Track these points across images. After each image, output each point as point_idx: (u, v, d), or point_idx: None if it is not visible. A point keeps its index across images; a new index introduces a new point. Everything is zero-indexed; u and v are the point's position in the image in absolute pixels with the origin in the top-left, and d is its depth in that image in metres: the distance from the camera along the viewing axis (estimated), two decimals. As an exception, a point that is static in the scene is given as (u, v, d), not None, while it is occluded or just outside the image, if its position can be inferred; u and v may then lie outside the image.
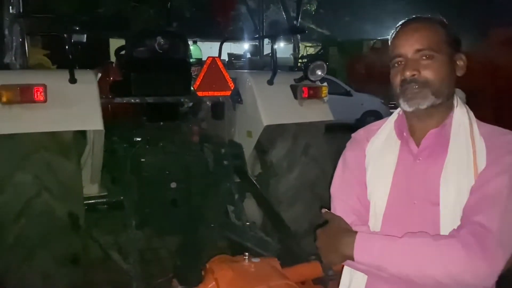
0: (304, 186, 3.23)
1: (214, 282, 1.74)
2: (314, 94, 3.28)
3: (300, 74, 3.34)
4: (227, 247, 3.15)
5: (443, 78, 1.22)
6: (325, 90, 3.34)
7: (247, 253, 1.89)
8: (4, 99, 2.41)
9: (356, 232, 1.21)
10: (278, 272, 1.82)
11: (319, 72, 3.24)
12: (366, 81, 12.46)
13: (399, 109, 1.35)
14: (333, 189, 1.39)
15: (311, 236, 3.01)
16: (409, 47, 1.23)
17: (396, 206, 1.25)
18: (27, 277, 2.46)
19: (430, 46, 1.21)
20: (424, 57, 1.22)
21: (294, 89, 3.28)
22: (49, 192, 2.51)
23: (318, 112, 3.32)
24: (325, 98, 3.33)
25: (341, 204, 1.35)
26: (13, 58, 2.90)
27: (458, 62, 1.27)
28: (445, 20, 1.29)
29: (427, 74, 1.21)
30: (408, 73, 1.21)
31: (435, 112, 1.25)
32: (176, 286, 2.02)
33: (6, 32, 2.86)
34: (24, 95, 2.44)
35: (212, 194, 3.24)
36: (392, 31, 1.30)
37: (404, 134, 1.30)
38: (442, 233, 1.16)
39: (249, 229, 3.11)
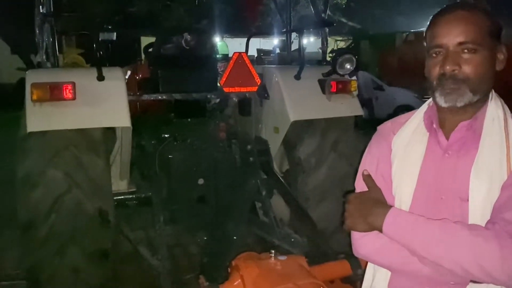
0: (332, 183, 3.16)
1: (239, 280, 1.72)
2: (343, 88, 3.20)
3: (328, 68, 3.27)
4: (254, 243, 3.14)
5: (484, 74, 1.15)
6: (354, 84, 3.25)
7: (273, 251, 1.86)
8: (34, 97, 2.47)
9: (390, 206, 1.17)
10: (305, 271, 1.78)
11: (347, 66, 3.16)
12: (399, 75, 12.16)
13: (429, 100, 1.29)
14: (357, 183, 1.34)
15: (339, 234, 2.96)
16: (452, 38, 1.15)
17: (422, 201, 1.20)
18: (58, 271, 2.51)
19: (474, 39, 1.14)
20: (466, 51, 1.14)
21: (322, 83, 3.21)
22: (79, 188, 2.55)
23: (347, 106, 3.24)
24: (355, 93, 3.25)
25: None
26: (44, 57, 2.96)
27: (498, 56, 1.19)
28: (489, 8, 1.20)
29: (468, 70, 1.14)
30: (448, 68, 1.14)
31: (470, 107, 1.19)
32: (203, 283, 2.00)
33: (37, 31, 2.93)
34: (53, 93, 2.49)
35: (239, 191, 3.22)
36: (432, 17, 1.22)
37: (434, 126, 1.25)
38: None
39: (276, 226, 3.08)
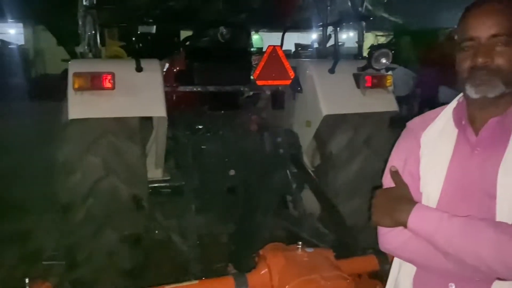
0: (364, 179, 3.13)
1: (266, 269, 1.75)
2: (378, 83, 3.15)
3: (363, 63, 3.23)
4: (283, 236, 3.15)
5: None
6: (389, 79, 3.20)
7: (300, 242, 1.88)
8: (76, 85, 2.58)
9: (416, 202, 1.18)
10: (332, 264, 1.79)
11: (383, 61, 3.11)
12: (441, 72, 11.80)
13: (459, 96, 1.27)
14: (385, 179, 1.34)
15: (368, 230, 2.92)
16: (485, 31, 1.13)
17: (450, 198, 1.19)
18: (94, 253, 2.62)
19: (508, 31, 1.12)
20: (499, 44, 1.12)
21: (356, 77, 3.18)
22: (115, 175, 2.65)
23: (382, 102, 3.19)
24: (390, 88, 3.20)
25: None
26: (86, 48, 3.08)
27: None
28: None
29: (501, 62, 1.12)
30: (480, 60, 1.13)
31: (501, 102, 1.16)
32: (231, 271, 2.05)
33: (80, 23, 3.04)
34: (94, 82, 2.59)
35: (269, 183, 3.25)
36: (465, 10, 1.20)
37: (463, 122, 1.22)
38: None
39: (304, 219, 3.09)
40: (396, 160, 1.32)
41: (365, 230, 2.89)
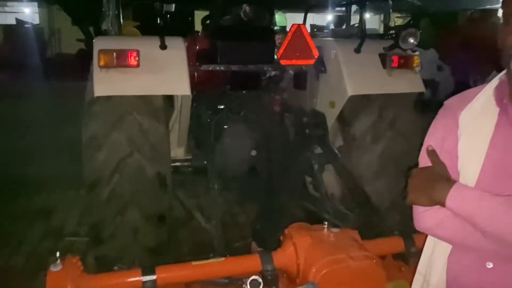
0: (388, 161, 3.08)
1: (292, 247, 1.75)
2: (405, 63, 3.08)
3: (390, 43, 3.15)
4: (305, 217, 3.15)
5: None
6: (417, 60, 3.12)
7: (326, 222, 1.87)
8: (101, 62, 2.58)
9: (454, 181, 1.16)
10: (358, 243, 1.78)
11: (411, 40, 3.03)
12: (461, 54, 11.50)
13: (500, 74, 1.22)
14: (421, 159, 1.31)
15: (393, 212, 2.90)
16: None
17: (489, 177, 1.15)
18: (118, 230, 2.66)
19: None
20: None
21: (383, 57, 3.10)
22: (140, 153, 2.67)
23: (409, 83, 3.12)
24: (417, 68, 3.12)
25: None
26: (109, 25, 3.08)
27: None
28: None
29: None
30: None
31: None
32: (255, 249, 2.06)
33: (104, 1, 3.04)
34: (119, 60, 2.59)
35: (292, 163, 3.23)
36: None
37: (504, 101, 1.18)
38: None
39: (328, 201, 3.08)
40: (433, 139, 1.29)
41: (389, 212, 2.88)
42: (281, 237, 1.88)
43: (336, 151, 3.23)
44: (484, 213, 1.07)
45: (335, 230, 1.85)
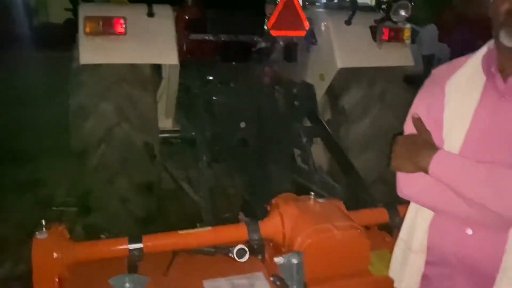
0: (376, 134, 3.10)
1: (279, 217, 1.77)
2: (396, 36, 3.05)
3: (382, 15, 3.11)
4: (293, 189, 3.17)
5: None
6: (407, 33, 3.09)
7: (312, 193, 1.89)
8: (87, 29, 2.52)
9: (438, 148, 1.17)
10: (343, 214, 1.81)
11: (402, 13, 2.99)
12: (460, 29, 11.42)
13: (489, 43, 1.22)
14: (406, 126, 1.32)
15: (379, 184, 2.93)
16: None
17: (473, 145, 1.17)
18: (106, 200, 2.67)
19: None
20: None
21: (373, 30, 3.07)
22: (128, 122, 2.65)
23: (399, 56, 3.11)
24: (408, 41, 3.10)
25: None
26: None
27: None
28: None
29: None
30: None
31: None
32: (243, 219, 2.07)
33: None
34: (105, 27, 2.53)
35: (281, 136, 3.23)
36: None
37: (492, 69, 1.18)
38: None
39: (315, 173, 3.10)
40: (419, 106, 1.30)
41: (375, 184, 2.91)
42: (268, 208, 1.90)
43: (325, 124, 3.23)
44: (466, 180, 1.08)
45: (321, 200, 1.88)
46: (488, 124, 1.15)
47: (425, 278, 1.30)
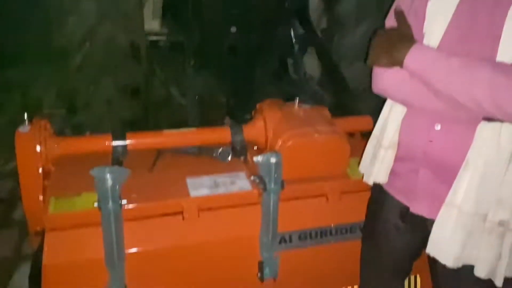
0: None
1: (262, 121, 1.78)
2: None
3: None
4: (281, 97, 3.15)
5: None
6: None
7: (297, 98, 1.88)
8: None
9: (416, 41, 1.16)
10: (327, 119, 1.82)
11: None
12: None
13: None
14: (388, 20, 1.30)
15: (368, 95, 2.91)
16: None
17: (452, 39, 1.15)
18: (92, 100, 2.65)
19: None
20: None
21: None
22: (111, 20, 2.54)
23: None
24: None
25: None
26: None
27: None
28: None
29: None
30: None
31: None
32: (228, 123, 2.08)
33: None
34: None
35: (272, 43, 3.14)
36: None
37: None
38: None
39: (305, 82, 3.06)
40: (402, 0, 1.26)
41: (365, 95, 2.89)
42: (253, 112, 1.91)
43: (318, 33, 3.12)
44: (439, 73, 1.08)
45: (306, 106, 1.87)
46: (468, 18, 1.13)
47: (392, 173, 1.35)
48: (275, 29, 3.12)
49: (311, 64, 3.26)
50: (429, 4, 1.18)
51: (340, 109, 2.48)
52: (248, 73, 3.14)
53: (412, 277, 1.97)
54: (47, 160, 1.59)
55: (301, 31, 3.16)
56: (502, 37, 1.05)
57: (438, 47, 1.15)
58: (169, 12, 3.22)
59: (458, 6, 1.14)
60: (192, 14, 3.12)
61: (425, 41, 1.18)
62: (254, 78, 3.08)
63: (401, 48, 1.14)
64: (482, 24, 1.10)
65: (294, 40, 3.13)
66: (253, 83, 3.06)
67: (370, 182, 1.41)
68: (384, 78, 1.23)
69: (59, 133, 1.71)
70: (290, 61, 3.39)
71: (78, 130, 2.69)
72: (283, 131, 1.66)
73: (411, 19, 1.20)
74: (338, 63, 2.95)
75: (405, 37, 1.17)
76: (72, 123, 2.76)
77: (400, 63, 1.15)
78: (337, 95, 2.71)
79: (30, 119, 1.57)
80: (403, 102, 1.25)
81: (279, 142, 1.64)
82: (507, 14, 1.05)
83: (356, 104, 2.50)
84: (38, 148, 1.54)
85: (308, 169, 1.69)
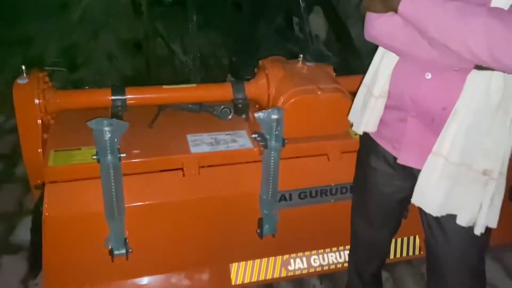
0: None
1: (264, 78, 1.74)
2: None
3: None
4: (285, 55, 3.09)
5: None
6: None
7: (301, 55, 1.83)
8: None
9: None
10: (330, 77, 1.78)
11: None
12: None
13: None
14: None
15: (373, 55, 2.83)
16: None
17: None
18: (93, 55, 2.60)
19: None
20: None
21: None
22: None
23: None
24: None
25: None
26: None
27: None
28: None
29: None
30: None
31: None
32: (230, 80, 2.04)
33: None
34: None
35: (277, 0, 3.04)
36: None
37: None
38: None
39: (311, 41, 2.99)
40: None
41: (371, 55, 2.83)
42: (256, 69, 1.86)
43: None
44: (433, 18, 1.05)
45: (310, 64, 1.83)
46: None
47: (381, 122, 1.34)
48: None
49: (318, 24, 3.17)
50: None
51: (346, 68, 2.43)
52: (251, 31, 3.06)
53: (412, 238, 1.99)
54: (46, 113, 1.57)
55: None
56: None
57: None
58: None
59: None
60: None
61: None
62: (258, 36, 3.00)
63: None
64: None
65: None
66: (257, 41, 2.98)
67: (360, 131, 1.40)
68: (377, 25, 1.19)
69: (60, 88, 1.68)
70: (295, 19, 3.29)
71: (78, 86, 2.65)
72: (286, 89, 1.63)
73: None
74: (345, 21, 2.87)
75: None
76: (72, 79, 2.72)
77: (394, 8, 1.11)
78: (343, 54, 2.66)
79: (28, 72, 1.54)
80: (395, 50, 1.22)
81: (281, 99, 1.62)
82: None
83: (363, 63, 2.44)
84: (36, 101, 1.52)
85: (310, 126, 1.67)
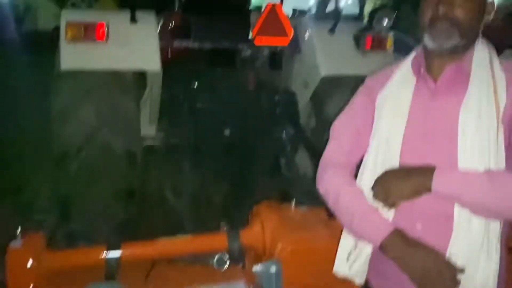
0: None
1: (259, 225, 1.76)
2: (378, 45, 3.08)
3: (365, 24, 3.15)
4: (277, 197, 3.17)
5: (474, 20, 1.18)
6: (390, 41, 3.13)
7: (294, 200, 1.89)
8: (68, 35, 2.50)
9: (431, 167, 1.17)
10: (324, 222, 1.80)
11: (385, 21, 3.03)
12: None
13: (417, 47, 1.32)
14: (333, 128, 1.44)
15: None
16: None
17: (412, 142, 1.23)
18: (88, 204, 2.62)
19: None
20: None
21: (357, 39, 3.10)
22: (109, 128, 2.62)
23: (381, 64, 3.13)
24: (390, 50, 3.13)
25: (335, 144, 1.44)
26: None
27: (488, 7, 1.22)
28: None
29: (460, 13, 1.16)
30: (441, 10, 1.16)
31: (457, 53, 1.21)
32: (224, 228, 2.06)
33: None
34: (87, 33, 2.51)
35: (265, 143, 3.23)
36: None
37: (422, 71, 1.26)
38: (460, 165, 1.14)
39: (298, 181, 3.10)
40: (347, 112, 1.43)
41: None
42: (250, 215, 1.89)
43: (308, 132, 3.24)
44: (471, 191, 1.12)
45: (303, 208, 1.88)
46: (423, 121, 1.22)
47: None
48: (268, 131, 3.23)
49: (304, 163, 3.33)
50: (377, 123, 1.29)
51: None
52: (242, 173, 3.19)
53: None
54: (38, 276, 1.53)
55: (292, 131, 3.28)
56: (459, 136, 1.14)
57: (401, 153, 1.23)
58: (165, 116, 3.35)
59: (410, 111, 1.24)
60: (187, 118, 3.25)
61: (386, 152, 1.25)
62: (249, 178, 3.12)
63: (421, 176, 1.16)
64: (437, 125, 1.20)
65: (285, 139, 3.23)
66: (247, 183, 3.08)
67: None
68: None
69: (52, 239, 1.67)
70: (282, 160, 3.46)
71: (71, 237, 2.62)
72: (282, 237, 1.65)
73: (351, 134, 1.36)
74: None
75: (417, 168, 1.19)
76: (65, 229, 2.70)
77: (427, 189, 1.15)
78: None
79: (23, 234, 1.54)
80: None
81: (278, 248, 1.62)
82: (459, 111, 1.15)
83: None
84: (29, 265, 1.49)
85: (308, 275, 1.65)
